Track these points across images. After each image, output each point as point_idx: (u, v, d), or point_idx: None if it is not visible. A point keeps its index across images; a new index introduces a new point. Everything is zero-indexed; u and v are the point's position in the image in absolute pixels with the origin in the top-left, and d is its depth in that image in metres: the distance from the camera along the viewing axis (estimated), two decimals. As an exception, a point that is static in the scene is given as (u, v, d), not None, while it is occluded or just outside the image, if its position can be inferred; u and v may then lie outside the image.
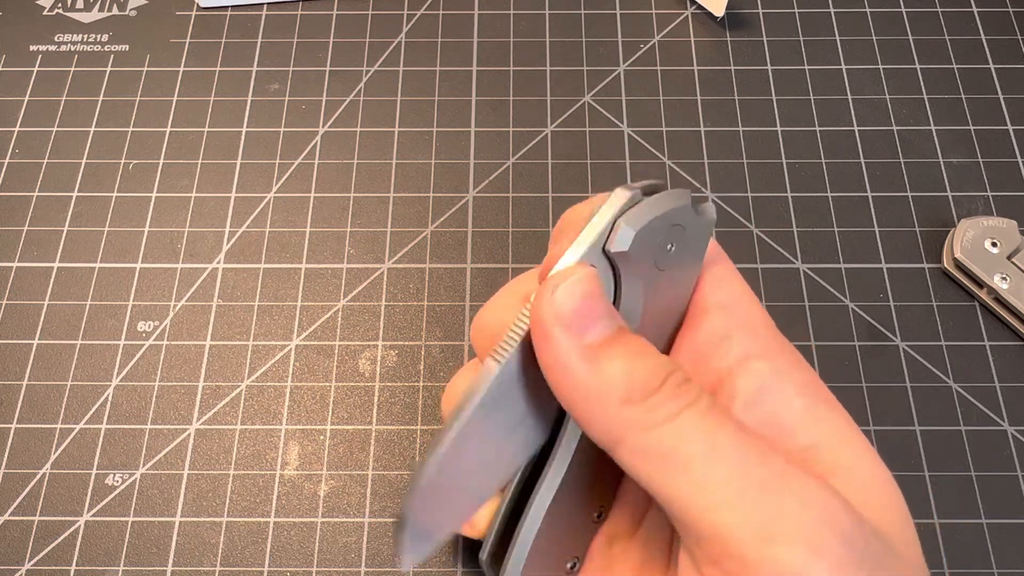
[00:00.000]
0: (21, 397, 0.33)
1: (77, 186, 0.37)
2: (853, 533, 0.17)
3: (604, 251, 0.20)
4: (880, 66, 0.39)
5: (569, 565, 0.23)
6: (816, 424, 0.20)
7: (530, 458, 0.22)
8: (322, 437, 0.32)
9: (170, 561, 0.30)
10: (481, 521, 0.24)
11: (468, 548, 0.30)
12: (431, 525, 0.20)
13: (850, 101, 0.38)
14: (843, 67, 0.39)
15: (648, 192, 0.21)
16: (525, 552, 0.22)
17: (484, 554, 0.23)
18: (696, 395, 0.18)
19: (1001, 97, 0.39)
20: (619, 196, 0.20)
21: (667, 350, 0.23)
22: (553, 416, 0.22)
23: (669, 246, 0.21)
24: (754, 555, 0.16)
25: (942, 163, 0.37)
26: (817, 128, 0.38)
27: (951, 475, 0.31)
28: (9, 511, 0.31)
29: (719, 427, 0.18)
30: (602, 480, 0.23)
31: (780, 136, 0.38)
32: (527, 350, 0.19)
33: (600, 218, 0.20)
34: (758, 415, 0.20)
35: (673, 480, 0.17)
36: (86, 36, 0.41)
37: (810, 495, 0.17)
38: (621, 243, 0.19)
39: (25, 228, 0.36)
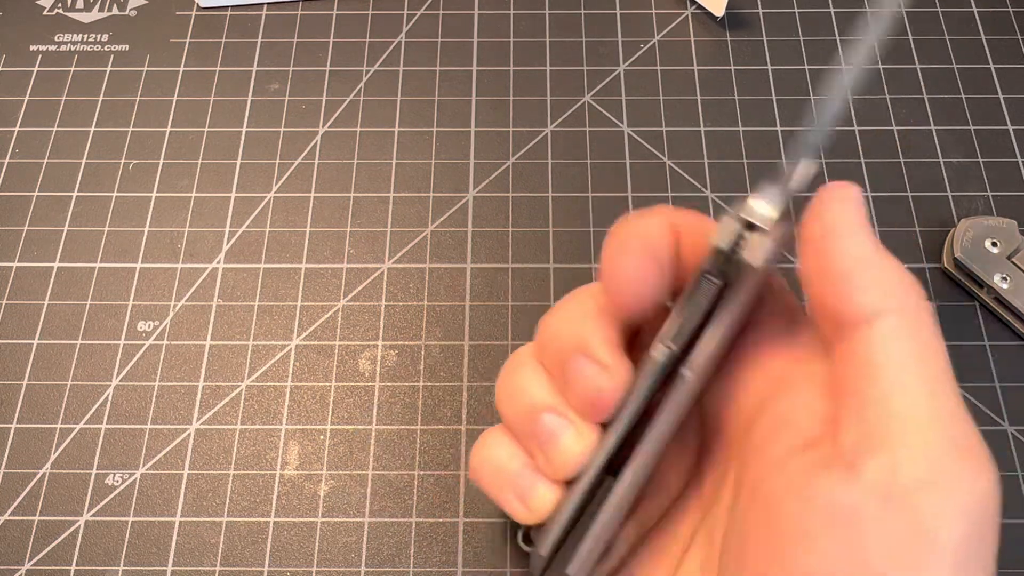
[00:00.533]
0: (21, 397, 0.33)
1: (77, 186, 0.37)
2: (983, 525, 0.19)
3: (731, 258, 0.21)
4: (880, 66, 0.39)
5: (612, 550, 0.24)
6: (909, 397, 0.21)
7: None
8: (322, 437, 0.32)
9: (170, 561, 0.30)
10: (542, 508, 0.23)
11: (468, 547, 0.30)
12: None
13: (850, 101, 0.38)
14: (843, 67, 0.39)
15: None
16: (595, 556, 0.22)
17: (545, 549, 0.23)
18: (937, 329, 0.20)
19: (1001, 97, 0.39)
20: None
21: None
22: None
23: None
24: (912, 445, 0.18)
25: (942, 163, 0.37)
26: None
27: (951, 475, 0.31)
28: (9, 511, 0.31)
29: (942, 364, 0.20)
30: (669, 462, 0.24)
31: (780, 136, 0.38)
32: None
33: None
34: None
35: (898, 368, 0.19)
36: (86, 36, 0.41)
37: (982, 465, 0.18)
38: (757, 256, 0.21)
39: (25, 228, 0.36)
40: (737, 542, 0.20)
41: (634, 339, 0.24)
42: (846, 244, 0.20)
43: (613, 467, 0.23)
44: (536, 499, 0.23)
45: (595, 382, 0.22)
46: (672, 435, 0.22)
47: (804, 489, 0.18)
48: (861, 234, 0.20)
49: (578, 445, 0.22)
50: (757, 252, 0.20)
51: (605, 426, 0.23)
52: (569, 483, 0.23)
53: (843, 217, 0.20)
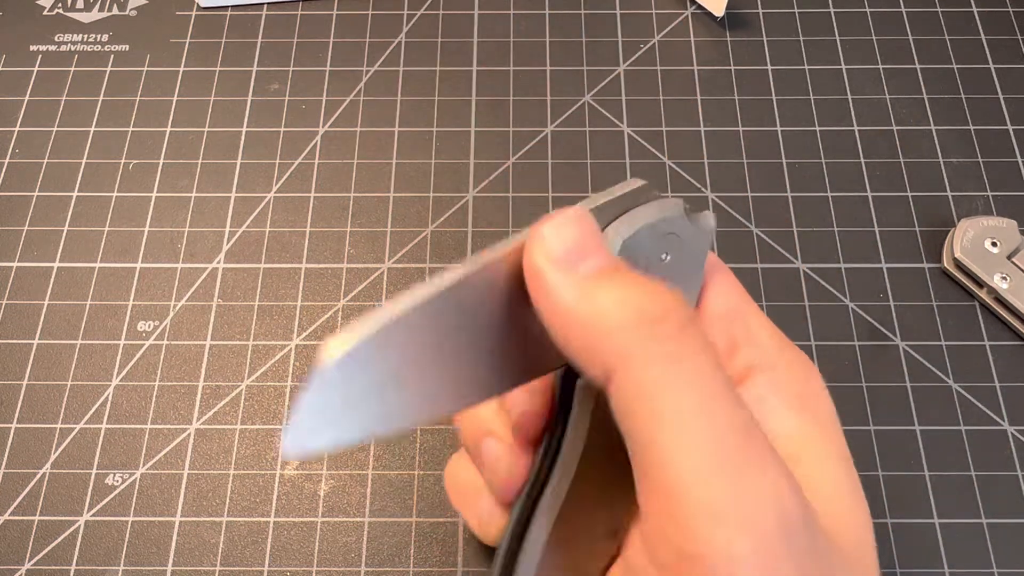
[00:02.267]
0: (21, 397, 0.33)
1: (77, 186, 0.37)
2: (796, 527, 0.16)
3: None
4: (880, 66, 0.39)
5: None
6: (803, 439, 0.20)
7: (480, 399, 0.21)
8: (322, 437, 0.32)
9: (170, 561, 0.30)
10: (492, 529, 0.23)
11: (468, 547, 0.30)
12: (330, 416, 0.17)
13: (850, 101, 0.38)
14: (843, 67, 0.39)
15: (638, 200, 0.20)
16: (532, 571, 0.22)
17: (495, 570, 0.23)
18: (702, 343, 0.17)
19: (1001, 97, 0.39)
20: (628, 184, 0.20)
21: None
22: (519, 367, 0.21)
23: (663, 256, 0.20)
24: (701, 529, 0.16)
25: (942, 163, 0.37)
26: (817, 128, 0.38)
27: (951, 475, 0.31)
28: (9, 511, 0.31)
29: (717, 386, 0.17)
30: (610, 493, 0.22)
31: (780, 136, 0.38)
32: (511, 280, 0.19)
33: (604, 194, 0.20)
34: None
35: (657, 426, 0.16)
36: (86, 36, 0.41)
37: (774, 485, 0.16)
38: (610, 249, 0.19)
39: (25, 228, 0.36)
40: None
41: None
42: (562, 298, 0.18)
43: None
44: (487, 518, 0.23)
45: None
46: (578, 451, 0.21)
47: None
48: (570, 281, 0.18)
49: (513, 468, 0.22)
50: None
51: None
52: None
53: (546, 268, 0.18)
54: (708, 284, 0.22)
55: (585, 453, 0.21)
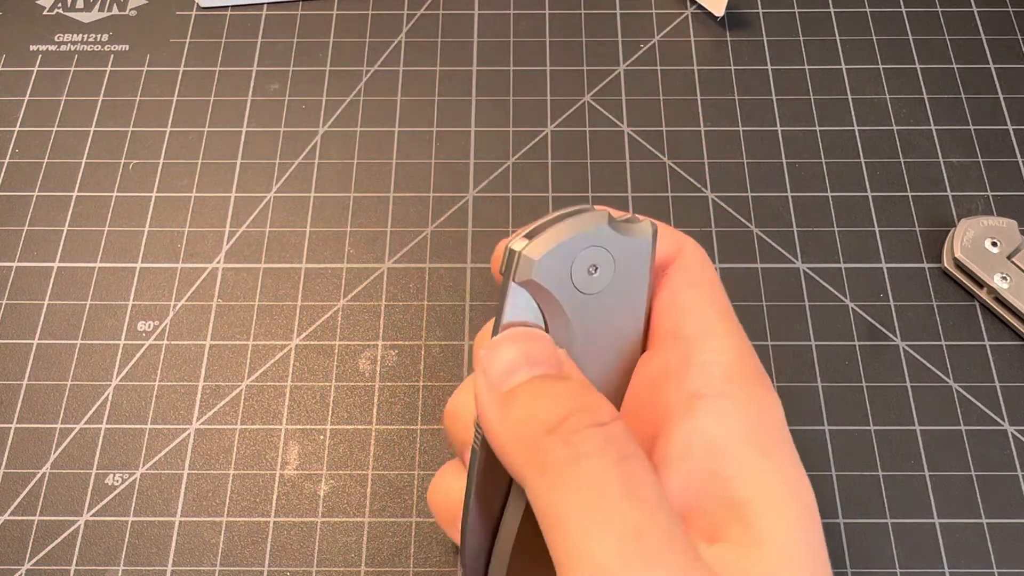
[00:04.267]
0: (21, 397, 0.33)
1: (77, 186, 0.37)
2: None
3: (516, 281, 0.19)
4: (880, 66, 0.39)
5: None
6: (753, 478, 0.19)
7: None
8: (322, 437, 0.32)
9: (170, 561, 0.30)
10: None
11: (468, 548, 0.30)
12: None
13: (850, 101, 0.38)
14: (843, 67, 0.39)
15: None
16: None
17: None
18: (599, 443, 0.17)
19: (1001, 97, 0.39)
20: (512, 257, 0.20)
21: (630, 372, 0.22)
22: None
23: (591, 270, 0.20)
24: None
25: (942, 163, 0.37)
26: (817, 128, 0.38)
27: (951, 475, 0.31)
28: (9, 511, 0.31)
29: (609, 488, 0.16)
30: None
31: (780, 136, 0.38)
32: None
33: (506, 278, 0.20)
34: (695, 463, 0.19)
35: (552, 537, 0.16)
36: (86, 36, 0.41)
37: None
38: (523, 273, 0.19)
39: (25, 228, 0.36)
40: None
41: None
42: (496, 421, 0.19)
43: None
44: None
45: None
46: (520, 511, 0.21)
47: None
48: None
49: None
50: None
51: None
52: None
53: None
54: (676, 296, 0.21)
55: (527, 512, 0.21)
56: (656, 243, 0.21)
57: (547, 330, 0.20)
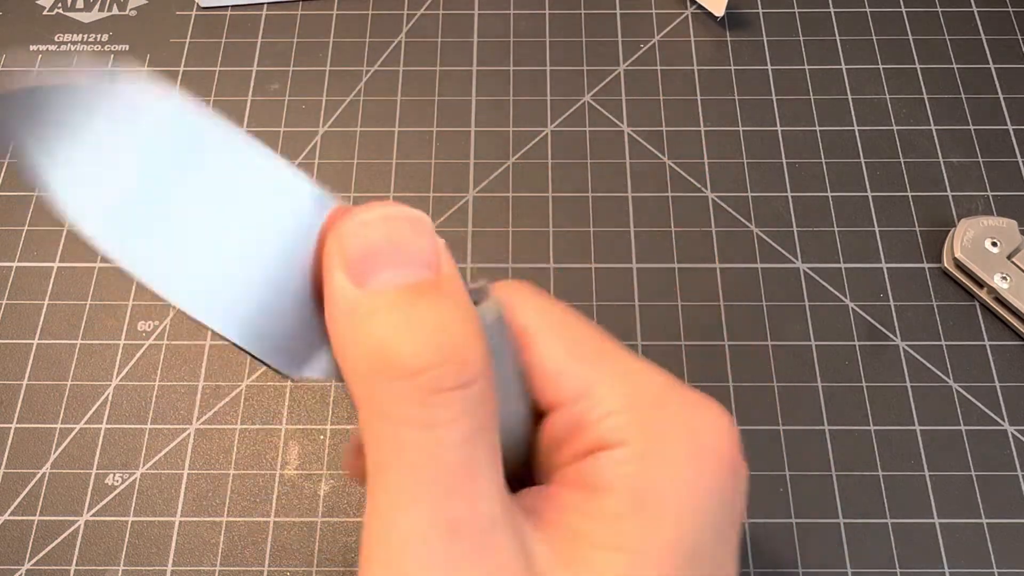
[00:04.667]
0: (21, 397, 0.33)
1: (77, 186, 0.37)
2: None
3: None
4: (880, 66, 0.39)
5: None
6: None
7: None
8: (322, 437, 0.32)
9: (170, 561, 0.30)
10: None
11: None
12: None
13: (850, 101, 0.38)
14: (843, 67, 0.39)
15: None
16: None
17: None
18: (452, 413, 0.15)
19: (1001, 97, 0.39)
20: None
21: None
22: None
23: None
24: None
25: (942, 163, 0.37)
26: (817, 128, 0.38)
27: (951, 475, 0.31)
28: (9, 511, 0.31)
29: (441, 472, 0.15)
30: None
31: (780, 136, 0.38)
32: None
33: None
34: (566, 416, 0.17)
35: (371, 489, 0.15)
36: (86, 36, 0.41)
37: None
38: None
39: (25, 228, 0.36)
40: None
41: None
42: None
43: None
44: None
45: None
46: None
47: None
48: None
49: None
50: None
51: None
52: None
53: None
54: (528, 343, 0.18)
55: None
56: (502, 320, 0.18)
57: None
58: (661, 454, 0.16)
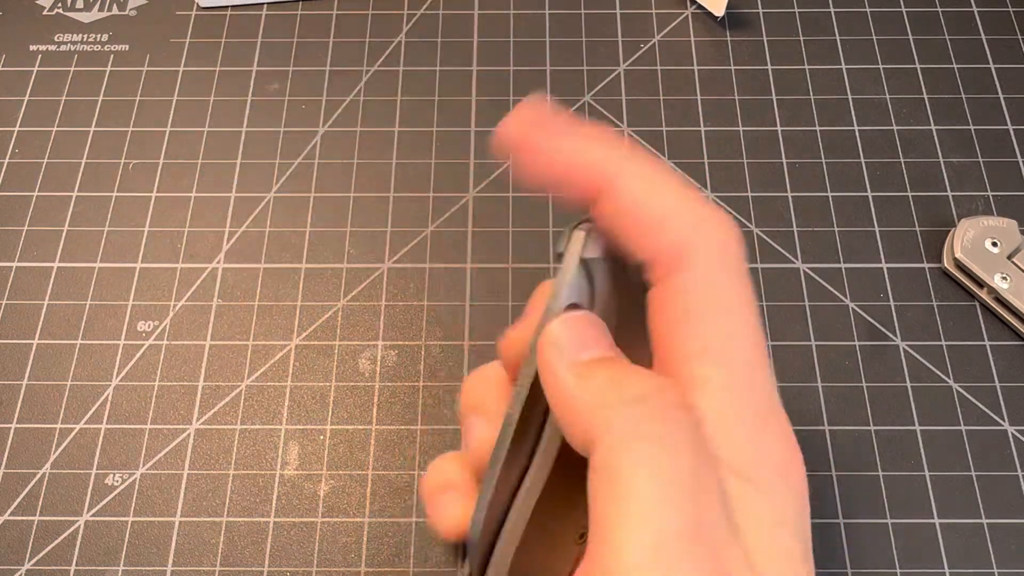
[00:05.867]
0: (21, 397, 0.33)
1: (77, 186, 0.37)
2: None
3: (582, 260, 0.20)
4: (880, 66, 0.39)
5: None
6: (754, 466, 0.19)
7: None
8: (322, 437, 0.32)
9: (170, 561, 0.30)
10: (460, 525, 0.23)
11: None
12: None
13: (850, 101, 0.38)
14: (843, 67, 0.39)
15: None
16: (505, 568, 0.22)
17: (466, 571, 0.23)
18: (687, 431, 0.17)
19: (1001, 97, 0.39)
20: (578, 237, 0.21)
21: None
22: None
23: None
24: None
25: (942, 163, 0.37)
26: (817, 128, 0.38)
27: (951, 475, 0.31)
28: (9, 511, 0.31)
29: (684, 479, 0.16)
30: (579, 500, 0.22)
31: (780, 136, 0.38)
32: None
33: (571, 256, 0.21)
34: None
35: (613, 506, 0.17)
36: (86, 36, 0.41)
37: None
38: (593, 250, 0.21)
39: (25, 228, 0.36)
40: None
41: None
42: (560, 383, 0.19)
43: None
44: (448, 506, 0.23)
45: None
46: (548, 468, 0.21)
47: None
48: (569, 370, 0.19)
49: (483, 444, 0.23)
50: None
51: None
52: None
53: (553, 357, 0.20)
54: (696, 275, 0.20)
55: (555, 468, 0.21)
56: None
57: (594, 309, 0.21)
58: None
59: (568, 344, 0.20)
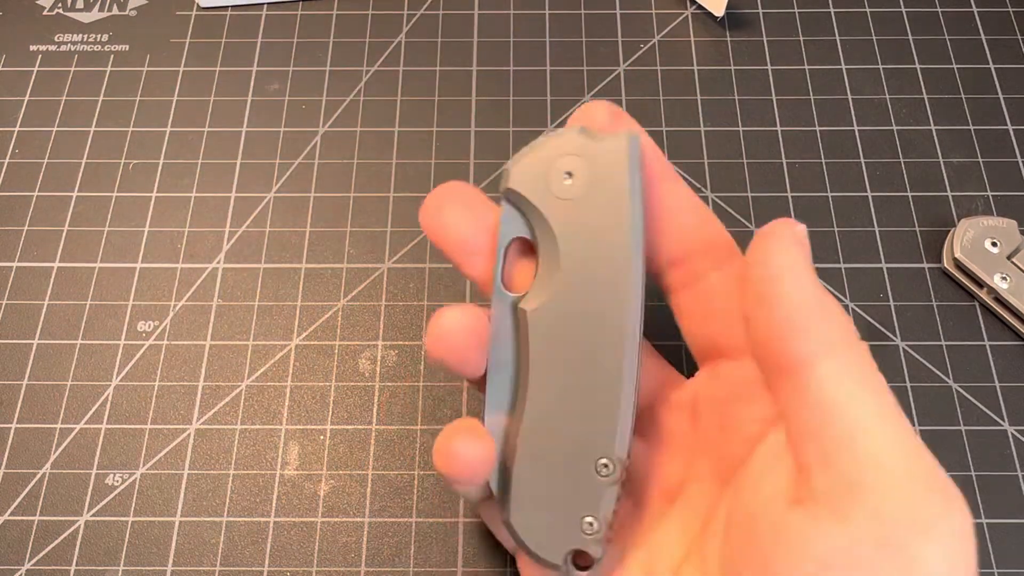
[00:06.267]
0: (21, 397, 0.33)
1: (77, 186, 0.37)
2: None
3: (501, 193, 0.23)
4: (880, 66, 0.39)
5: (588, 521, 0.23)
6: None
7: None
8: (322, 437, 0.32)
9: (170, 561, 0.30)
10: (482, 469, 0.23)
11: (468, 547, 0.30)
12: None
13: (850, 101, 0.38)
14: (843, 67, 0.39)
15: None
16: (509, 496, 0.23)
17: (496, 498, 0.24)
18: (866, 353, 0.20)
19: (1001, 97, 0.39)
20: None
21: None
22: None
23: (565, 176, 0.22)
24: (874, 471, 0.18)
25: (942, 163, 0.37)
26: (817, 128, 0.38)
27: (951, 475, 0.31)
28: (9, 511, 0.31)
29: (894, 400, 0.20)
30: (595, 424, 0.23)
31: (780, 136, 0.38)
32: None
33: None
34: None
35: (858, 407, 0.19)
36: (86, 36, 0.41)
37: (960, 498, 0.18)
38: (504, 183, 0.23)
39: (25, 228, 0.36)
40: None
41: None
42: (791, 289, 0.20)
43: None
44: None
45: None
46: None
47: (795, 536, 0.18)
48: (807, 277, 0.20)
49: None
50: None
51: None
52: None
53: (790, 260, 0.20)
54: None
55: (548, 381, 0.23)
56: (638, 148, 0.23)
57: (535, 240, 0.23)
58: None
59: (806, 253, 0.20)
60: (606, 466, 0.23)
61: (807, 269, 0.20)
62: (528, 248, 0.24)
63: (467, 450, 0.22)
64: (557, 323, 0.23)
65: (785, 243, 0.20)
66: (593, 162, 0.22)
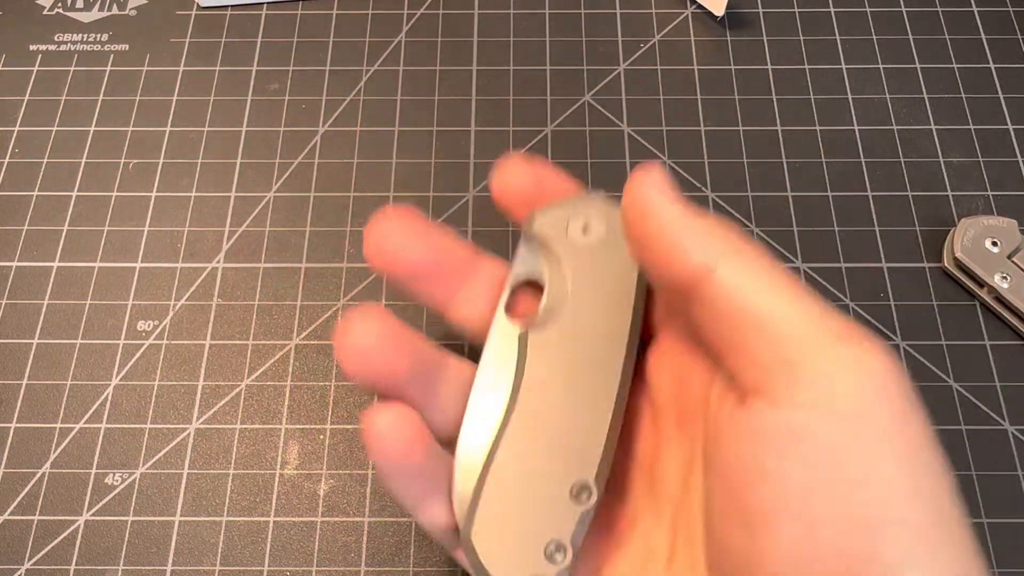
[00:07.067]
0: (21, 397, 0.33)
1: (77, 186, 0.37)
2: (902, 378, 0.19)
3: (523, 235, 0.26)
4: (880, 66, 0.39)
5: (550, 547, 0.22)
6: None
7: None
8: (322, 436, 0.32)
9: (170, 561, 0.30)
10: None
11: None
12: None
13: (850, 101, 0.38)
14: (843, 67, 0.39)
15: None
16: (476, 511, 0.22)
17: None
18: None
19: (1001, 97, 0.39)
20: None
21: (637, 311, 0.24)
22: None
23: (584, 228, 0.25)
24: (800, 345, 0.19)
25: (942, 163, 0.37)
26: (817, 128, 0.38)
27: (951, 475, 0.31)
28: (9, 511, 0.31)
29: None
30: (577, 449, 0.23)
31: (780, 136, 0.38)
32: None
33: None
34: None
35: (766, 298, 0.19)
36: (86, 36, 0.41)
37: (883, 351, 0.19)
38: (527, 226, 0.25)
39: (25, 228, 0.36)
40: (714, 526, 0.20)
41: None
42: (667, 218, 0.21)
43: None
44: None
45: None
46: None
47: (745, 436, 0.19)
48: (677, 205, 0.21)
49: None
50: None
51: None
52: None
53: (656, 194, 0.21)
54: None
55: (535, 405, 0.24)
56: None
57: (545, 280, 0.25)
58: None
59: (667, 185, 0.22)
60: (584, 489, 0.23)
61: (675, 200, 0.21)
62: (525, 285, 0.26)
63: (390, 430, 0.22)
64: (556, 351, 0.24)
65: (648, 183, 0.21)
66: (610, 220, 0.25)
